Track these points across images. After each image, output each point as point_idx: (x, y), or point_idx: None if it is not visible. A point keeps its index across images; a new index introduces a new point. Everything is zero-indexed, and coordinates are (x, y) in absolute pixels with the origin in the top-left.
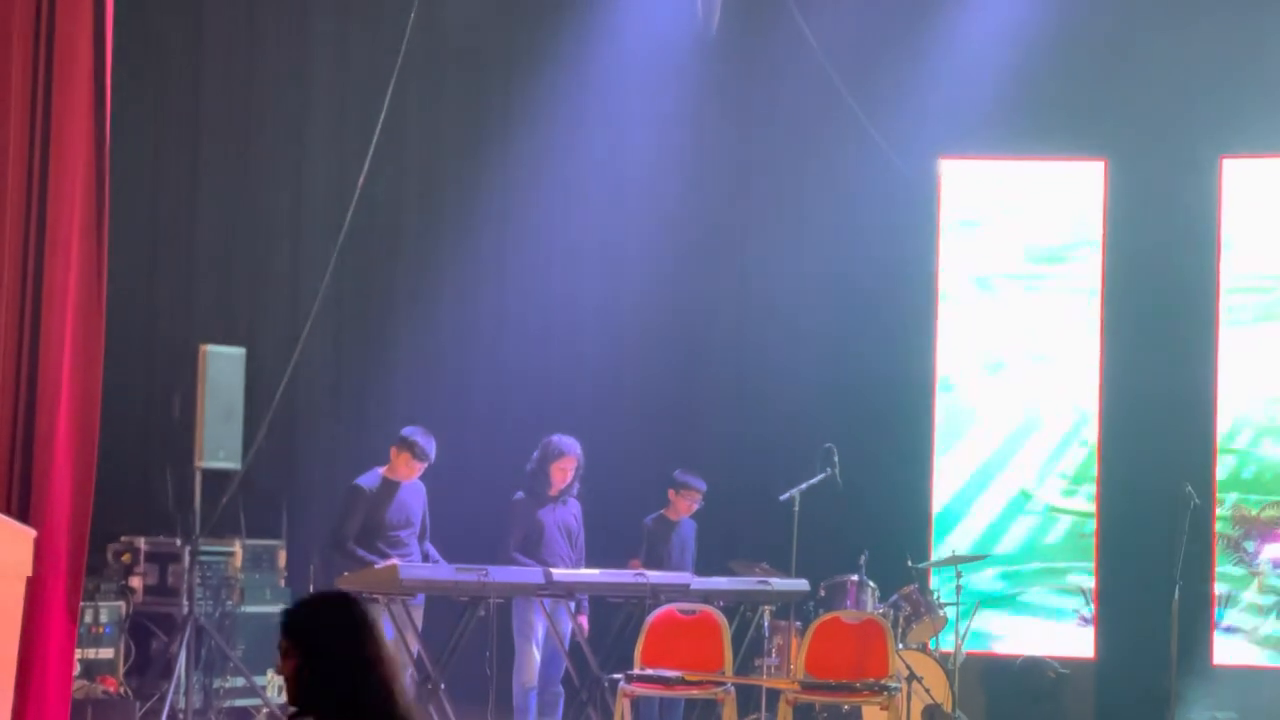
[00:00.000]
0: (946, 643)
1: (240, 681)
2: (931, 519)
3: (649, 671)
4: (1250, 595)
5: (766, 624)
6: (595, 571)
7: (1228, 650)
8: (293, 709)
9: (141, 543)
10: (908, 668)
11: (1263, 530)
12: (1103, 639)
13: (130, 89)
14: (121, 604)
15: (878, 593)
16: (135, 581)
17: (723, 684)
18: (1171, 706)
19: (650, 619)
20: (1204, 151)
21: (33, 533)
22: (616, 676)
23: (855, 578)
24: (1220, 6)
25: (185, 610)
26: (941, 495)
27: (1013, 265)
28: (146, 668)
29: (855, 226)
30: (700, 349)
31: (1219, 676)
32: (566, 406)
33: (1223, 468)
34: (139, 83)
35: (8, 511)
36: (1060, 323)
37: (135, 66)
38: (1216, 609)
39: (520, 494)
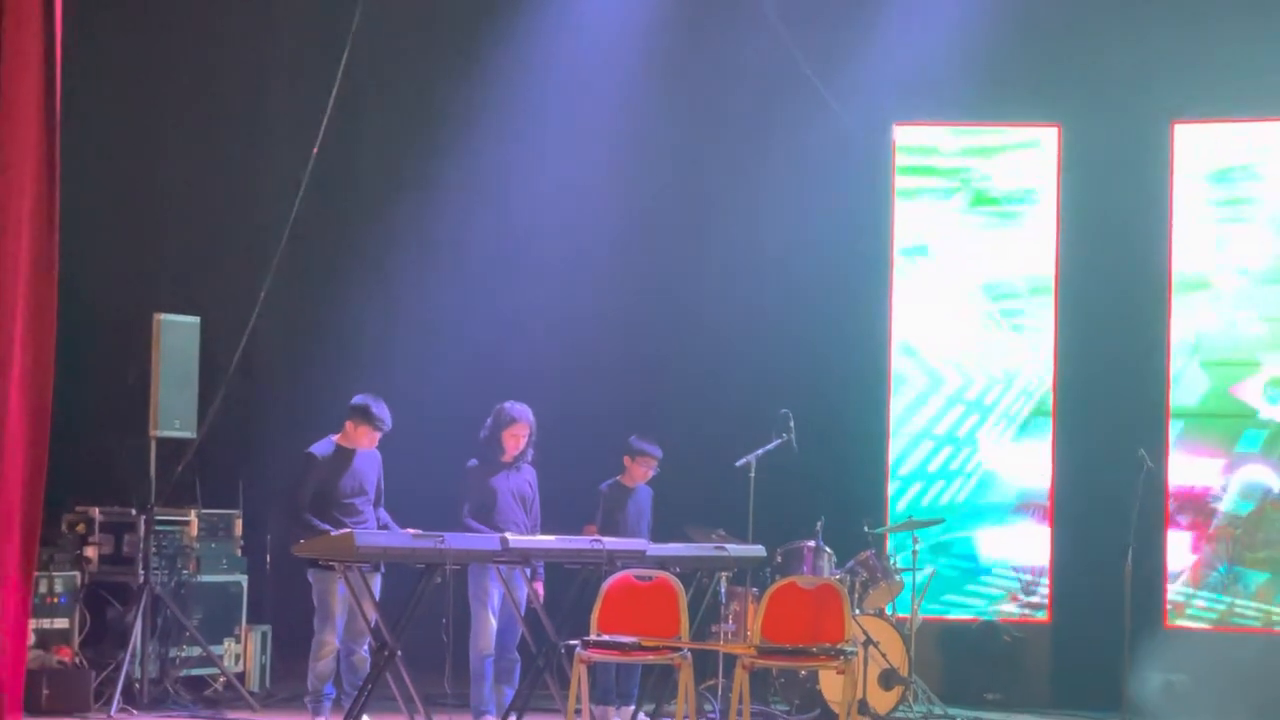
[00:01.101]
0: (903, 607)
1: (197, 651)
2: (888, 485)
3: (605, 637)
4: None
5: (723, 590)
6: (552, 538)
7: (1180, 613)
8: None
9: (96, 512)
10: (864, 632)
11: None
12: (1057, 603)
13: (84, 57)
14: (76, 574)
15: (834, 558)
16: (90, 551)
17: (679, 649)
18: (1125, 669)
19: (607, 585)
20: (1156, 116)
21: None
22: (573, 643)
23: (812, 543)
24: None
25: (141, 580)
26: (898, 461)
27: (967, 230)
28: (102, 637)
29: (811, 192)
30: (655, 315)
31: (1172, 639)
32: (522, 373)
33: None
34: (93, 50)
35: None
36: (1015, 288)
37: (89, 32)
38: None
39: (474, 461)
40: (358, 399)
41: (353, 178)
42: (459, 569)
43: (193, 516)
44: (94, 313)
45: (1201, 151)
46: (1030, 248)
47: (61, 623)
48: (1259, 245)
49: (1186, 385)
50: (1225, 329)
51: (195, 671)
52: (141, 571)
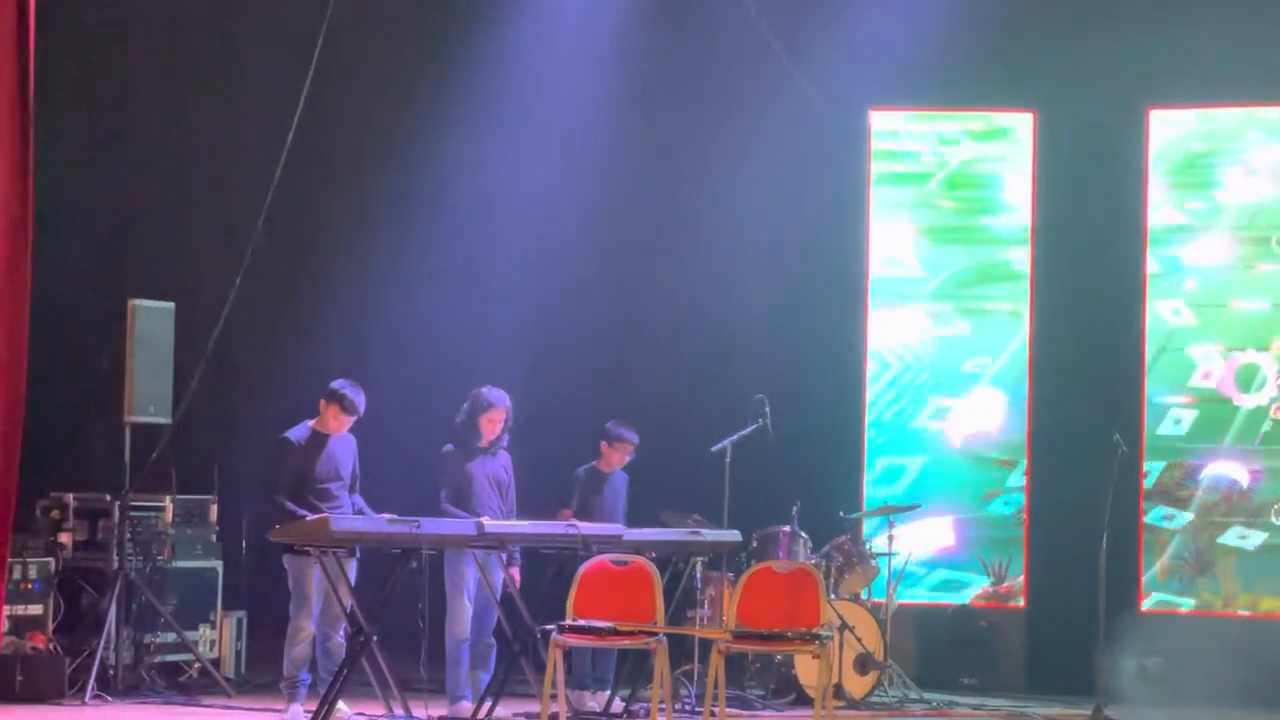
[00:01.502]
0: (879, 592)
1: (171, 637)
2: (864, 470)
3: (581, 622)
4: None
5: (699, 575)
6: (527, 523)
7: (1155, 597)
8: None
9: (71, 498)
10: (840, 617)
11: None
12: (1032, 587)
13: (56, 43)
14: (50, 560)
15: (810, 543)
16: (64, 537)
17: (655, 634)
18: (1100, 653)
19: (582, 570)
20: (1132, 103)
21: None
22: (549, 627)
23: (787, 528)
24: None
25: (115, 566)
26: (874, 446)
27: (943, 216)
28: (76, 624)
29: (786, 177)
30: (632, 300)
31: (1147, 623)
32: (498, 359)
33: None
34: (66, 37)
35: None
36: (991, 273)
37: (61, 20)
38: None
39: (450, 446)
40: (334, 384)
41: (327, 164)
42: (435, 554)
43: (168, 502)
44: (68, 298)
45: (1177, 137)
46: (1005, 233)
47: (36, 609)
48: (1231, 233)
49: (1161, 371)
50: (1199, 315)
51: (170, 658)
52: (116, 557)
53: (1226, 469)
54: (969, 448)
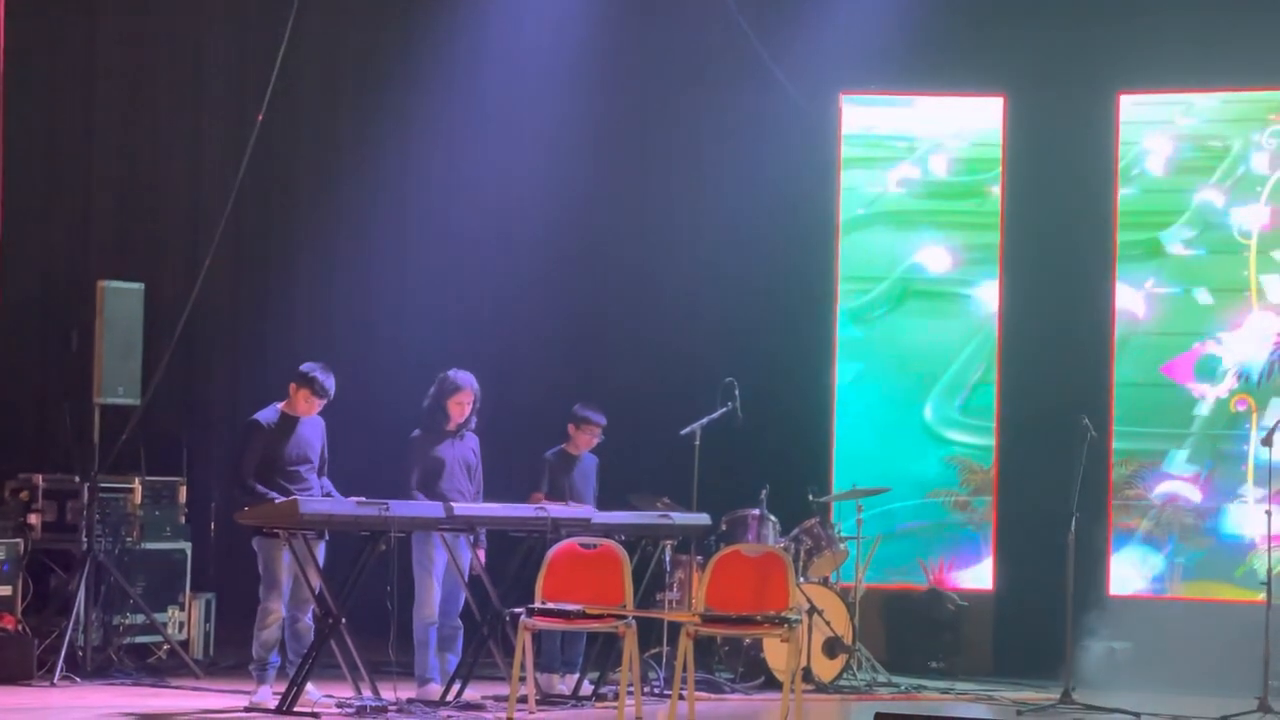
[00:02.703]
0: (848, 576)
1: (140, 618)
2: (833, 453)
3: (550, 605)
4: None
5: (668, 558)
6: (496, 505)
7: (1123, 581)
8: None
9: (39, 479)
10: (808, 600)
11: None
12: (1001, 571)
13: (25, 23)
14: (19, 541)
15: (779, 527)
16: (33, 518)
17: (624, 617)
18: (1068, 637)
19: (551, 553)
20: (1101, 87)
21: None
22: (518, 610)
23: (756, 512)
24: None
25: (84, 547)
26: (843, 429)
27: (913, 201)
28: (45, 605)
29: (756, 162)
30: (601, 284)
31: (1115, 607)
32: (466, 342)
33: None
34: (34, 17)
35: None
36: (961, 257)
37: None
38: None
39: (418, 431)
40: (304, 367)
41: (297, 145)
42: (403, 537)
43: (136, 484)
44: (37, 280)
45: (1148, 122)
46: (976, 217)
47: (4, 590)
48: (1209, 217)
49: (1129, 356)
50: (1168, 302)
51: (139, 639)
52: (85, 539)
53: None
54: (940, 431)
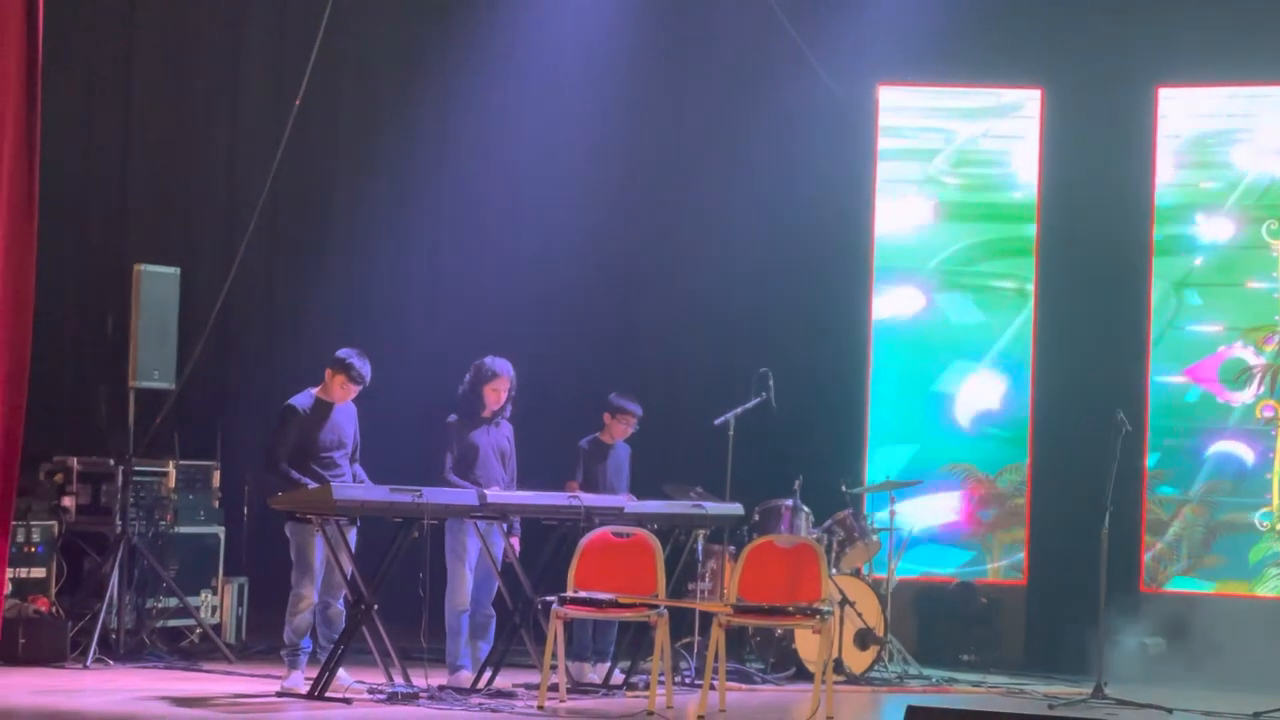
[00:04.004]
0: (880, 568)
1: (173, 602)
2: (866, 444)
3: (582, 594)
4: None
5: (700, 548)
6: (530, 493)
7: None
8: None
9: (74, 462)
10: (840, 592)
11: None
12: (1034, 564)
13: (64, 7)
14: (54, 523)
15: (812, 517)
16: (68, 501)
17: (656, 607)
18: (1100, 632)
19: (584, 541)
20: (1140, 81)
21: None
22: (550, 599)
23: (790, 502)
24: None
25: (118, 530)
26: (876, 421)
27: (950, 192)
28: (78, 588)
29: (793, 153)
30: (637, 273)
31: (1147, 602)
32: (503, 328)
33: None
34: (73, 2)
35: None
36: (996, 250)
37: None
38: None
39: (453, 416)
40: (341, 353)
41: (334, 131)
42: (436, 524)
43: (171, 468)
44: (74, 263)
45: (1185, 116)
46: (1012, 209)
47: (38, 572)
48: (1237, 213)
49: (1165, 350)
50: (1201, 296)
51: (172, 623)
52: (119, 522)
53: (1232, 447)
54: (974, 424)
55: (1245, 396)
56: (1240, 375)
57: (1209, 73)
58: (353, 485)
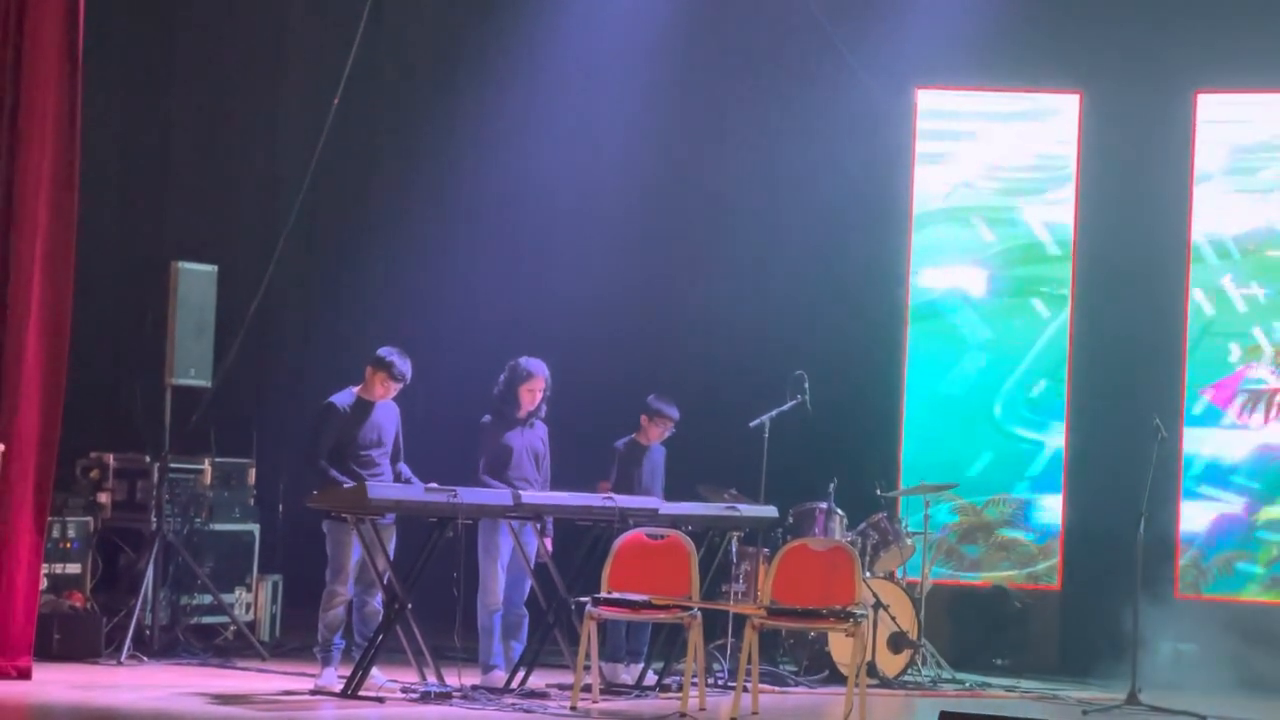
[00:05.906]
0: (914, 571)
1: (208, 599)
2: (901, 447)
3: (616, 595)
4: None
5: (734, 550)
6: (564, 494)
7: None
8: None
9: (111, 459)
10: (874, 595)
11: None
12: (1068, 569)
13: (105, 4)
14: (90, 519)
15: (846, 520)
16: (104, 497)
17: (689, 609)
18: (1134, 638)
19: (618, 543)
20: (1179, 86)
21: (0, 447)
22: (583, 599)
23: (824, 505)
24: None
25: (153, 527)
26: (911, 424)
27: (987, 196)
28: (114, 583)
29: (831, 155)
30: (673, 274)
31: (1182, 608)
32: (538, 329)
33: None
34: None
35: None
36: (1033, 255)
37: None
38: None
39: (488, 417)
40: (382, 351)
41: (374, 130)
42: (471, 524)
43: (206, 465)
44: (112, 261)
45: (1223, 122)
46: (1049, 214)
47: (74, 568)
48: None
49: (1201, 356)
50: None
51: (206, 620)
52: (154, 519)
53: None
54: (1008, 427)
55: (1254, 422)
56: (1247, 403)
57: (1249, 79)
58: (388, 484)
